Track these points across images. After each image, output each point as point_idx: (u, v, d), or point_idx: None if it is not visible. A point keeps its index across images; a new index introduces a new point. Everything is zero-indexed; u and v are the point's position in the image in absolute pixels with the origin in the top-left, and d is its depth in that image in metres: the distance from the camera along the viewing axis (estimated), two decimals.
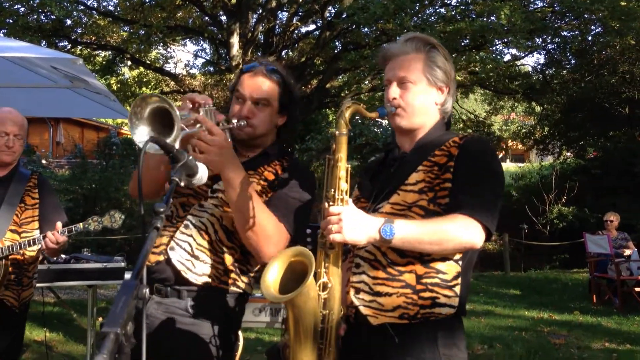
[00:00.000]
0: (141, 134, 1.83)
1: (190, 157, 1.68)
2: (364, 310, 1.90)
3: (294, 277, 1.80)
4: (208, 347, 2.14)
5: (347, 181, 1.83)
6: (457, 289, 1.88)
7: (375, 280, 1.89)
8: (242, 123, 2.22)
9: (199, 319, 2.15)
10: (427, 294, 1.85)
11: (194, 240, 2.17)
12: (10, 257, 3.03)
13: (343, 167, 1.82)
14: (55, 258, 4.52)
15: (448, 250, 1.84)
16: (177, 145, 1.77)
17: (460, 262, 1.89)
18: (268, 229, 2.08)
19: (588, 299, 9.76)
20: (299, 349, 1.83)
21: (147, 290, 1.29)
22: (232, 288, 2.20)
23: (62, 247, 3.03)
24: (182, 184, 1.67)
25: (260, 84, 2.24)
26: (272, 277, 1.83)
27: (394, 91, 1.99)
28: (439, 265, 1.87)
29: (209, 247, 2.17)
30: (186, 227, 2.19)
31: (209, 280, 2.15)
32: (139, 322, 1.32)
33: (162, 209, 1.43)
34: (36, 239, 3.02)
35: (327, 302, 1.83)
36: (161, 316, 2.16)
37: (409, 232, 1.77)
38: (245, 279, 2.24)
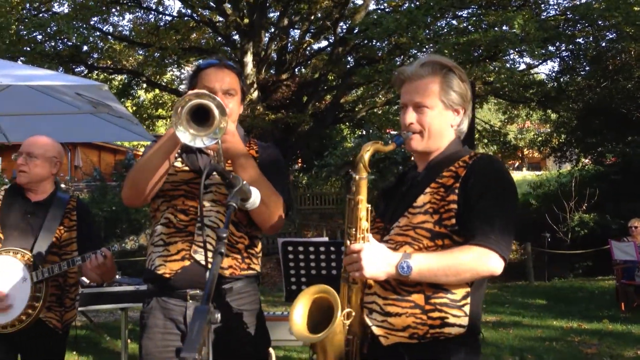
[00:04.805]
0: (184, 136, 1.96)
1: (245, 182, 1.71)
2: (376, 330, 1.95)
3: (320, 312, 1.93)
4: (255, 331, 2.38)
5: (367, 220, 1.92)
6: (467, 309, 1.91)
7: (386, 301, 1.94)
8: None
9: (241, 308, 2.35)
10: (436, 314, 1.89)
11: (213, 239, 2.28)
12: (51, 278, 3.03)
13: (364, 208, 1.91)
14: (88, 282, 4.55)
15: (466, 280, 1.89)
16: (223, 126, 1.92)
17: (468, 282, 1.93)
18: (278, 202, 2.31)
19: (616, 306, 9.62)
20: None
21: (219, 315, 1.32)
22: (249, 272, 2.40)
23: (110, 267, 2.96)
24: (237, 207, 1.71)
25: (227, 76, 2.37)
26: (299, 317, 1.95)
27: (410, 116, 2.02)
28: (447, 285, 1.91)
29: (227, 242, 2.29)
30: (200, 229, 2.29)
31: (234, 270, 2.34)
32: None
33: (224, 235, 1.46)
34: (76, 260, 2.98)
35: (351, 328, 1.95)
36: None
37: (426, 267, 1.84)
38: (255, 260, 2.45)
